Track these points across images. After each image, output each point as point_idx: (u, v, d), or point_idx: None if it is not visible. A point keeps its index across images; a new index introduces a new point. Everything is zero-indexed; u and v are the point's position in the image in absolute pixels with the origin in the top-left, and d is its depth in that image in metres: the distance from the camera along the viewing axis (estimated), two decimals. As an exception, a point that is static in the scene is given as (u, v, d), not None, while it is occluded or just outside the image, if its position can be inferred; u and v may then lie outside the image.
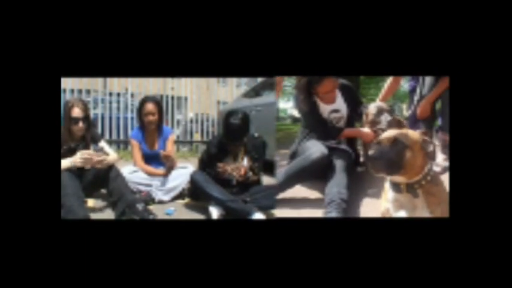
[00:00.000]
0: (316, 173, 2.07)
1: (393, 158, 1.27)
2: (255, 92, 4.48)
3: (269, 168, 2.71)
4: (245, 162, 2.41)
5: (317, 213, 1.91)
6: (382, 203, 1.47)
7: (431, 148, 1.30)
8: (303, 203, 2.12)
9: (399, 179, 1.33)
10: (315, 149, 2.04)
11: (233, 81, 7.27)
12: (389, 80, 2.54)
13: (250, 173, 2.38)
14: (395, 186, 1.36)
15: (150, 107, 2.72)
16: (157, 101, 2.83)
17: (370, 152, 1.31)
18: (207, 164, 2.45)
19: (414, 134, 1.33)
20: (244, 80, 7.42)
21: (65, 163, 2.15)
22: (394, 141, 1.29)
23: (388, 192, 1.41)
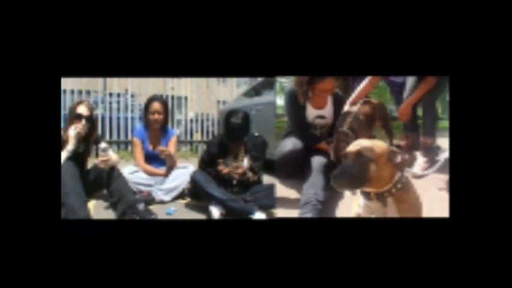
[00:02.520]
0: (290, 167, 2.06)
1: (356, 173, 1.24)
2: (255, 91, 4.47)
3: (269, 167, 2.71)
4: (245, 161, 2.41)
5: (293, 213, 1.91)
6: (353, 208, 1.46)
7: (398, 159, 1.27)
8: (281, 203, 2.12)
9: (368, 189, 1.32)
10: (289, 142, 2.02)
11: (233, 80, 7.26)
12: (365, 82, 2.40)
13: (250, 174, 2.38)
14: (366, 194, 1.35)
15: (156, 105, 2.74)
16: (164, 101, 2.85)
17: (333, 171, 1.27)
18: (208, 163, 2.45)
19: (380, 146, 1.29)
20: (244, 79, 7.41)
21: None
22: (358, 155, 1.26)
23: (359, 198, 1.41)
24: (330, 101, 2.29)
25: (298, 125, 2.22)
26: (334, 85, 2.20)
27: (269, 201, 2.24)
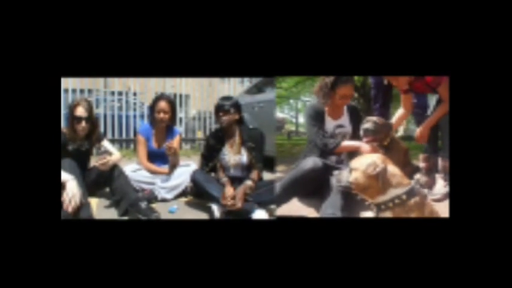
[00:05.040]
0: (310, 185, 2.04)
1: None
2: (257, 89, 4.47)
3: (269, 164, 2.71)
4: (244, 154, 2.42)
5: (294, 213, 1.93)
6: None
7: (376, 171, 1.37)
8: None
9: (365, 198, 1.46)
10: (309, 161, 2.03)
11: (236, 78, 7.24)
12: (399, 111, 2.49)
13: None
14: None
15: (163, 104, 2.73)
16: (171, 100, 2.84)
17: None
18: (208, 157, 2.49)
19: (365, 157, 1.45)
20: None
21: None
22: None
23: None
24: (345, 111, 2.33)
25: (317, 132, 2.24)
26: (352, 94, 2.25)
27: (269, 197, 2.24)
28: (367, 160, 1.40)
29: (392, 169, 1.40)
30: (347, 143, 2.17)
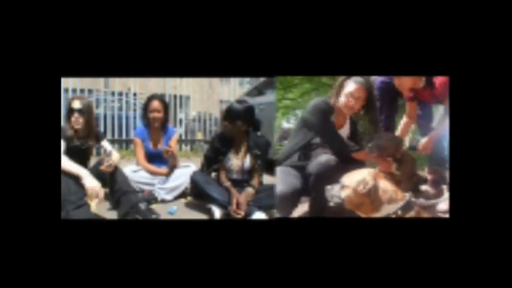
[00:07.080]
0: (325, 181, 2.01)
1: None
2: (257, 91, 4.47)
3: (269, 167, 2.70)
4: (247, 160, 2.42)
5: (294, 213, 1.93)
6: None
7: (366, 188, 1.35)
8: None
9: (360, 214, 1.44)
10: (324, 156, 1.93)
11: (236, 79, 7.24)
12: (403, 120, 2.49)
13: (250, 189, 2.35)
14: None
15: (155, 104, 2.76)
16: (163, 99, 2.88)
17: None
18: (212, 159, 2.47)
19: (355, 174, 1.40)
20: (246, 78, 7.39)
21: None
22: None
23: None
24: (348, 122, 2.25)
25: (334, 134, 2.10)
26: (360, 97, 2.05)
27: (270, 201, 2.24)
28: (357, 177, 1.37)
29: (384, 185, 1.36)
30: (366, 153, 2.05)
